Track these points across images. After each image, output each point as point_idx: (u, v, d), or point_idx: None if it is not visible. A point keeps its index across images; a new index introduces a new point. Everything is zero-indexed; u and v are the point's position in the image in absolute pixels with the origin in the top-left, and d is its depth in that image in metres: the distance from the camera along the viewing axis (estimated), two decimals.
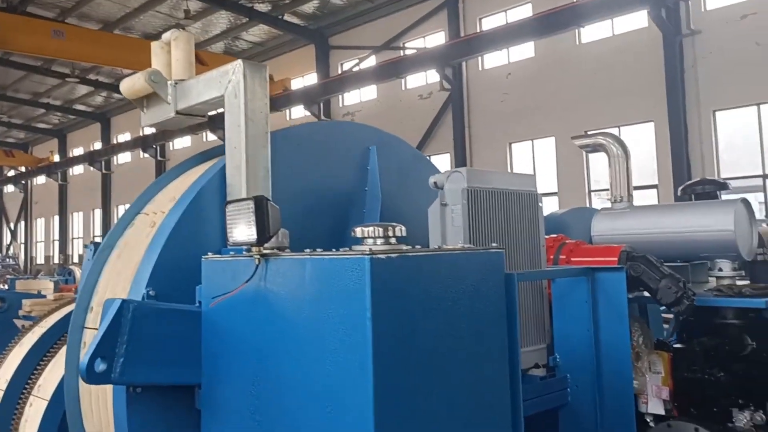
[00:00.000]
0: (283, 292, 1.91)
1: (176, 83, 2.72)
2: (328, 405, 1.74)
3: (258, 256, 1.94)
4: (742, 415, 3.14)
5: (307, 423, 1.78)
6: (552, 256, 3.30)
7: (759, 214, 12.59)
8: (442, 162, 18.30)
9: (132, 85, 2.80)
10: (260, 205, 1.91)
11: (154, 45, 2.82)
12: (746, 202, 3.43)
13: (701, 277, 3.62)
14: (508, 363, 2.03)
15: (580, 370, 2.62)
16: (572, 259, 3.27)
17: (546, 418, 2.63)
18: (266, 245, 2.00)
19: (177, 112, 2.72)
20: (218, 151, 2.76)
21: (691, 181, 4.05)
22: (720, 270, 3.37)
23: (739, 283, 3.34)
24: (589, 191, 16.62)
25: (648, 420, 3.21)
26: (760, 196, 15.15)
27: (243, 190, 2.34)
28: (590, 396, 2.58)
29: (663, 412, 3.17)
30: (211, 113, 2.89)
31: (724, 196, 3.85)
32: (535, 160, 17.98)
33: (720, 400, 3.18)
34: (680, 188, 4.05)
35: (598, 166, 15.41)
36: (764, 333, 3.22)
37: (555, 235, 3.47)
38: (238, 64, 2.48)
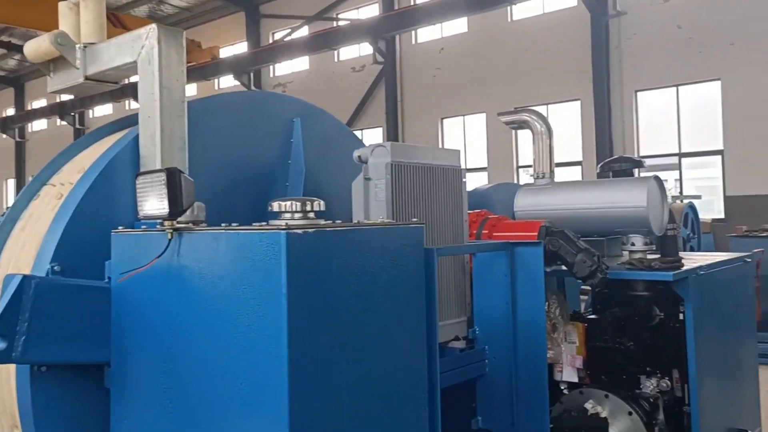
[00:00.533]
0: (197, 267, 1.86)
1: (85, 47, 2.57)
2: (243, 381, 1.71)
3: (170, 231, 1.87)
4: (649, 382, 3.32)
5: (221, 399, 1.75)
6: (475, 231, 3.35)
7: (675, 191, 13.26)
8: (374, 136, 18.28)
9: (37, 47, 2.62)
10: (172, 178, 1.84)
11: (62, 5, 2.65)
12: (658, 180, 3.57)
13: (615, 251, 3.77)
14: (426, 336, 2.06)
15: (498, 342, 2.69)
16: (494, 234, 3.33)
17: (464, 389, 2.69)
18: (180, 219, 1.93)
19: (86, 78, 2.57)
20: (133, 120, 2.63)
21: (609, 159, 4.19)
22: (632, 244, 3.52)
23: (650, 257, 3.49)
24: (518, 167, 17.02)
25: (562, 388, 3.34)
26: (676, 173, 15.94)
27: (157, 161, 2.25)
28: (507, 367, 2.66)
29: (576, 380, 3.31)
30: (134, 79, 2.75)
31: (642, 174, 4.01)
32: (466, 136, 18.23)
33: (629, 367, 3.35)
34: (599, 165, 4.18)
35: (527, 142, 15.80)
36: (671, 304, 3.40)
37: (478, 210, 3.52)
38: (152, 28, 2.36)
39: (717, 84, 14.90)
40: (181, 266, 1.89)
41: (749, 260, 3.97)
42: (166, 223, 1.87)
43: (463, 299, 2.85)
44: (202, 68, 17.05)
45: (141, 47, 2.36)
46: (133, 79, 2.57)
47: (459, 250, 2.78)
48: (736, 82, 14.47)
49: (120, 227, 2.12)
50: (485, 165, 17.70)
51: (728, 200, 15.08)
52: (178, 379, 1.86)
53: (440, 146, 17.32)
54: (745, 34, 13.81)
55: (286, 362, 1.64)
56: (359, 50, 18.28)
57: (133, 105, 20.67)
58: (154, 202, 1.86)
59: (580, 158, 16.45)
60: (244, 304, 1.73)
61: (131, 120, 2.71)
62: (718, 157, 15.42)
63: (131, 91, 14.51)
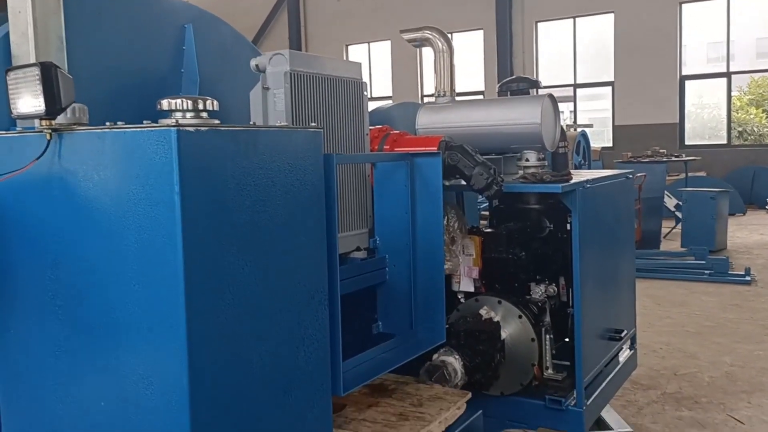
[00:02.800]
0: (81, 170, 1.75)
1: None
2: (136, 284, 1.66)
3: (49, 131, 1.75)
4: (538, 288, 3.54)
5: (114, 304, 1.70)
6: (376, 147, 3.36)
7: (569, 121, 13.85)
8: None
9: None
10: (48, 72, 1.69)
11: None
12: (552, 98, 3.70)
13: (512, 169, 3.91)
14: (326, 241, 2.07)
15: (398, 251, 2.75)
16: (396, 149, 3.36)
17: (365, 296, 2.76)
18: (60, 121, 1.80)
19: None
20: (2, 18, 2.39)
21: (508, 79, 4.28)
22: (527, 160, 3.66)
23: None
24: (422, 96, 17.13)
25: (459, 297, 3.51)
26: (571, 105, 16.64)
27: (32, 58, 2.06)
28: (406, 274, 2.74)
29: (473, 290, 3.48)
30: None
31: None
32: (371, 64, 18.04)
33: (520, 276, 3.55)
34: (498, 85, 4.27)
35: (431, 72, 15.87)
36: (559, 216, 3.60)
37: (380, 126, 3.53)
38: None
39: (611, 17, 15.45)
40: (63, 169, 1.77)
41: (631, 177, 4.24)
42: (44, 122, 1.74)
43: (365, 211, 2.89)
44: None
45: None
46: None
47: (358, 159, 2.79)
48: (628, 15, 15.08)
49: None
50: (390, 94, 17.68)
51: (616, 129, 15.99)
52: (67, 285, 1.78)
53: None
54: None
55: (181, 264, 1.60)
56: None
57: None
58: (28, 99, 1.72)
59: (482, 88, 16.75)
60: (134, 207, 1.66)
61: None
62: (609, 89, 16.19)
63: None
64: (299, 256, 1.96)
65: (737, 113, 18.46)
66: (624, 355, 4.07)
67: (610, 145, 15.71)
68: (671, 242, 10.65)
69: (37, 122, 1.78)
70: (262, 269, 1.81)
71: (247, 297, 1.77)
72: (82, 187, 1.75)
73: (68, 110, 1.81)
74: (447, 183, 3.23)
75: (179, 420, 1.59)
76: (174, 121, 1.66)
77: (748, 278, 8.04)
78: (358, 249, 2.77)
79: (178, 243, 1.59)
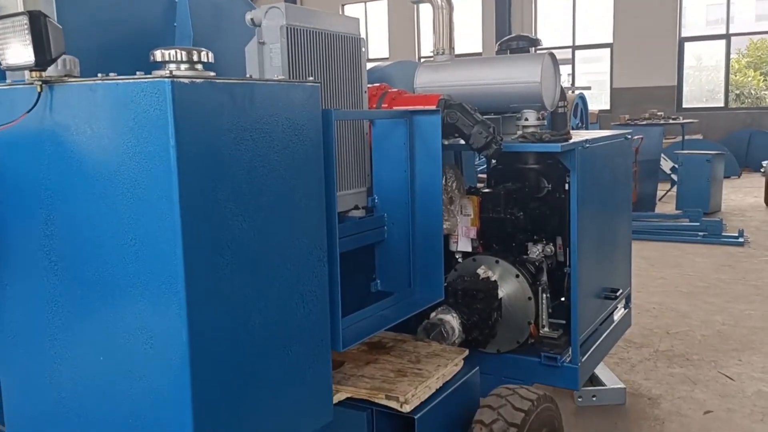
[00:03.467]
0: (73, 124, 1.71)
1: None
2: (133, 240, 1.64)
3: (39, 83, 1.70)
4: (536, 248, 3.54)
5: (109, 259, 1.68)
6: (375, 105, 3.31)
7: (567, 83, 13.72)
8: None
9: None
10: (36, 21, 1.64)
11: None
12: (552, 56, 3.64)
13: (511, 129, 3.87)
14: (324, 197, 2.05)
15: (396, 209, 2.73)
16: (394, 107, 3.31)
17: (364, 255, 2.76)
18: (51, 74, 1.75)
19: None
20: None
21: (507, 37, 4.20)
22: (526, 119, 3.62)
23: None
24: (419, 57, 16.90)
25: (457, 257, 3.51)
26: (569, 68, 16.48)
27: (19, 7, 1.99)
28: (405, 233, 2.73)
29: (470, 249, 3.48)
30: None
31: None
32: (368, 25, 17.75)
33: (518, 236, 3.54)
34: (497, 43, 4.19)
35: (429, 33, 15.66)
36: (558, 176, 3.58)
37: (378, 84, 3.47)
38: None
39: None
40: (55, 123, 1.73)
41: (629, 137, 4.21)
42: (34, 73, 1.69)
43: (363, 170, 2.85)
44: None
45: None
46: None
47: (357, 115, 2.74)
48: None
49: None
50: (387, 56, 17.45)
51: (614, 92, 15.87)
52: (60, 241, 1.75)
53: None
54: None
55: (178, 219, 1.57)
56: None
57: None
58: (17, 49, 1.66)
59: (480, 50, 16.54)
60: (128, 161, 1.63)
61: None
62: (608, 52, 16.00)
63: None
64: (298, 213, 1.94)
65: (735, 76, 18.32)
66: (619, 313, 4.10)
67: (608, 108, 15.62)
68: (666, 204, 10.68)
69: (27, 74, 1.73)
70: (260, 225, 1.79)
71: (245, 252, 1.75)
72: (74, 141, 1.71)
73: (59, 62, 1.76)
74: (446, 142, 3.20)
75: (180, 374, 1.58)
76: (168, 72, 1.62)
77: (741, 240, 8.09)
78: (356, 208, 2.75)
79: (175, 198, 1.56)
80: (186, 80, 1.59)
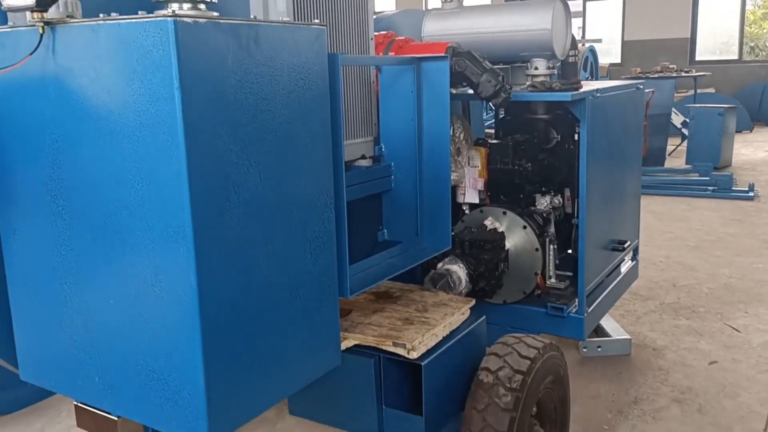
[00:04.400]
0: (76, 66, 1.68)
1: None
2: (139, 183, 1.63)
3: (41, 24, 1.67)
4: (543, 200, 3.53)
5: (116, 202, 1.67)
6: (381, 53, 3.26)
7: (578, 36, 13.44)
8: None
9: None
10: None
11: None
12: (564, 3, 3.55)
13: (520, 80, 3.80)
14: (331, 144, 2.03)
15: (403, 159, 2.71)
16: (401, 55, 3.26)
17: (371, 204, 2.75)
18: (52, 14, 1.72)
19: None
20: None
21: None
22: (536, 69, 3.55)
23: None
24: (426, 9, 16.56)
25: (464, 209, 3.50)
26: (580, 21, 16.13)
27: None
28: (412, 182, 2.71)
29: (478, 201, 3.47)
30: None
31: None
32: None
33: (526, 187, 3.52)
34: None
35: None
36: (567, 127, 3.53)
37: (385, 32, 3.40)
38: None
39: None
40: (58, 65, 1.71)
41: (641, 87, 4.13)
42: (35, 15, 1.66)
43: (370, 119, 2.82)
44: None
45: None
46: None
47: (364, 61, 2.70)
48: None
49: None
50: (393, 9, 17.10)
51: (625, 45, 15.55)
52: (67, 185, 1.75)
53: None
54: None
55: (184, 162, 1.56)
56: None
57: None
58: None
59: (488, 0, 16.17)
60: (133, 103, 1.61)
61: None
62: (620, 3, 15.61)
63: None
64: (304, 158, 1.92)
65: (750, 27, 17.88)
66: (626, 265, 4.10)
67: (619, 61, 15.33)
68: (676, 159, 10.58)
69: (28, 15, 1.70)
70: (266, 169, 1.78)
71: (252, 197, 1.74)
72: (77, 83, 1.69)
73: (60, 3, 1.72)
74: (454, 91, 3.15)
75: (189, 317, 1.60)
76: (170, 11, 1.58)
77: (751, 194, 8.03)
78: (363, 157, 2.73)
79: (180, 140, 1.55)
80: (189, 20, 1.56)
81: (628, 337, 4.27)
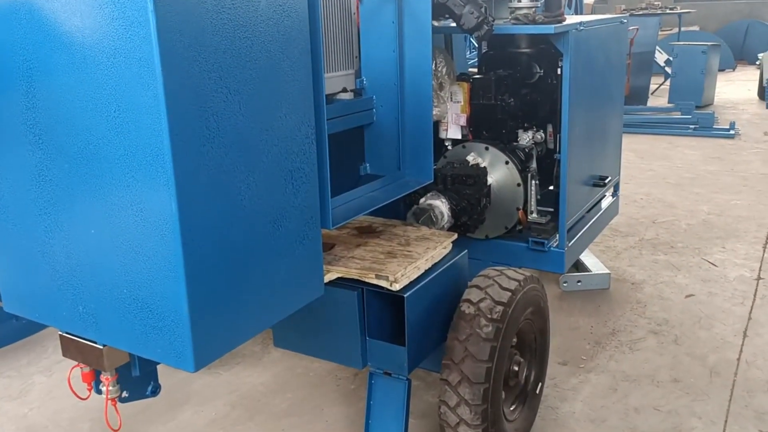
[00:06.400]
0: None
1: None
2: (115, 110, 1.60)
3: None
4: (526, 135, 3.52)
5: (92, 131, 1.64)
6: None
7: None
8: None
9: None
10: None
11: None
12: None
13: (503, 14, 3.73)
14: (311, 76, 1.99)
15: (385, 92, 2.68)
16: None
17: (352, 138, 2.73)
18: None
19: None
20: None
21: None
22: (519, 1, 3.48)
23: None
24: None
25: (447, 144, 3.49)
26: None
27: None
28: (394, 115, 2.69)
29: (460, 137, 3.46)
30: None
31: None
32: None
33: (508, 123, 3.51)
34: None
35: None
36: (550, 62, 3.50)
37: None
38: None
39: None
40: None
41: (625, 21, 4.09)
42: None
43: (351, 52, 2.76)
44: None
45: None
46: None
47: None
48: None
49: None
50: None
51: None
52: (44, 114, 1.71)
53: None
54: None
55: (161, 88, 1.52)
56: None
57: None
58: None
59: None
60: (106, 28, 1.56)
61: None
62: None
63: None
64: (284, 88, 1.89)
65: None
66: (606, 201, 4.15)
67: None
68: (658, 98, 10.58)
69: None
70: (245, 98, 1.75)
71: (231, 126, 1.72)
72: (49, 8, 1.63)
73: None
74: (436, 23, 3.09)
75: (171, 245, 1.59)
76: None
77: (732, 132, 8.09)
78: (344, 90, 2.69)
79: (156, 66, 1.51)
80: None
81: (607, 271, 4.36)
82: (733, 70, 13.26)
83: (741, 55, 13.71)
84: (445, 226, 3.12)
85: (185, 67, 1.57)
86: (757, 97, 10.60)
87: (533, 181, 3.43)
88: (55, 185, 1.75)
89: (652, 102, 10.23)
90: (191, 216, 1.60)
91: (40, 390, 3.45)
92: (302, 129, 1.96)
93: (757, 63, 10.40)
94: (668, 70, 10.31)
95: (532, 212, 3.46)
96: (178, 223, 1.57)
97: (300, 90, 1.96)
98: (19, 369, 3.65)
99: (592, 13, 12.41)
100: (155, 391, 2.35)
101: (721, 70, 11.22)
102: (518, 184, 3.32)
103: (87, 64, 1.60)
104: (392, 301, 2.50)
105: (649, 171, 6.92)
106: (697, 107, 9.07)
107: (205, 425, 3.12)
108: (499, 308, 2.55)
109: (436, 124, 3.40)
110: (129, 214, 1.64)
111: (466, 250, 2.84)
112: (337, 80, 2.67)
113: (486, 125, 3.51)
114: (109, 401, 2.12)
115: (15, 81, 1.73)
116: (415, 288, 2.47)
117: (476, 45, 4.09)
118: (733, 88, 11.60)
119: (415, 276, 2.53)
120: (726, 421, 2.97)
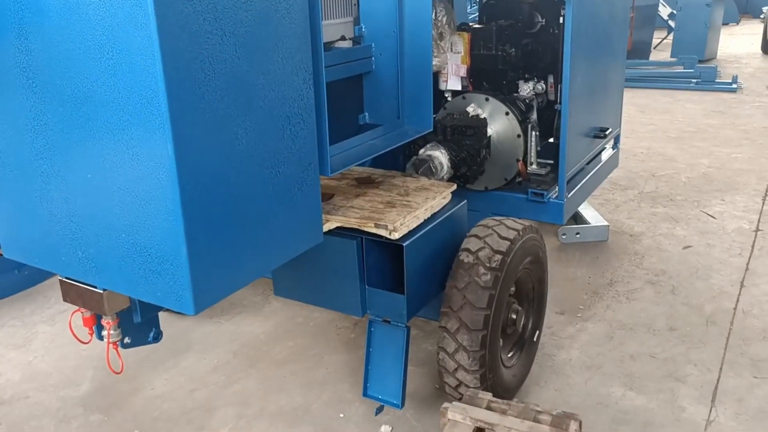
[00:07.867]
0: None
1: None
2: (109, 54, 1.57)
3: None
4: (526, 86, 3.49)
5: (87, 73, 1.61)
6: None
7: None
8: None
9: None
10: None
11: None
12: None
13: None
14: (308, 19, 1.95)
15: (384, 39, 2.63)
16: None
17: (352, 87, 2.70)
18: None
19: None
20: None
21: None
22: None
23: None
24: None
25: (447, 96, 3.45)
26: None
27: None
28: (393, 63, 2.65)
29: (460, 89, 3.42)
30: None
31: None
32: None
33: (509, 73, 3.47)
34: None
35: None
36: (552, 11, 3.44)
37: None
38: None
39: None
40: None
41: None
42: None
43: None
44: None
45: None
46: None
47: None
48: None
49: None
50: None
51: None
52: (37, 57, 1.68)
53: None
54: None
55: (154, 27, 1.48)
56: None
57: None
58: None
59: None
60: None
61: None
62: None
63: None
64: (281, 32, 1.85)
65: None
66: (606, 153, 4.13)
67: None
68: (661, 53, 10.44)
69: None
70: (241, 41, 1.72)
71: (227, 70, 1.69)
72: None
73: None
74: None
75: (169, 189, 1.58)
76: None
77: (734, 86, 8.01)
78: (343, 38, 2.64)
79: (149, 4, 1.47)
80: None
81: (606, 224, 4.37)
82: (737, 23, 13.04)
83: (745, 9, 13.47)
84: (445, 177, 3.11)
85: (178, 6, 1.54)
86: (761, 51, 10.46)
87: (533, 133, 3.41)
88: (51, 130, 1.73)
89: (654, 56, 10.10)
90: (188, 159, 1.59)
91: (43, 338, 3.50)
92: (299, 74, 1.93)
93: (762, 17, 10.23)
94: (672, 23, 10.13)
95: (531, 163, 3.45)
96: (174, 166, 1.56)
97: (297, 35, 1.92)
98: (22, 318, 3.69)
99: None
100: (157, 337, 2.38)
101: (725, 23, 11.04)
102: (518, 135, 3.29)
103: (79, 4, 1.57)
104: (391, 250, 2.51)
105: (650, 125, 6.87)
106: (700, 61, 8.96)
107: (207, 372, 3.17)
108: (498, 257, 2.56)
109: (436, 75, 3.36)
110: (126, 157, 1.62)
111: (465, 200, 2.84)
112: (335, 28, 2.63)
113: (486, 76, 3.46)
114: (111, 345, 2.14)
115: (6, 24, 1.70)
116: (414, 237, 2.48)
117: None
118: (737, 42, 11.43)
119: (414, 225, 2.53)
120: (721, 369, 3.01)
